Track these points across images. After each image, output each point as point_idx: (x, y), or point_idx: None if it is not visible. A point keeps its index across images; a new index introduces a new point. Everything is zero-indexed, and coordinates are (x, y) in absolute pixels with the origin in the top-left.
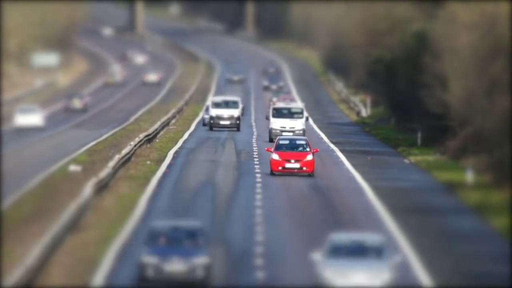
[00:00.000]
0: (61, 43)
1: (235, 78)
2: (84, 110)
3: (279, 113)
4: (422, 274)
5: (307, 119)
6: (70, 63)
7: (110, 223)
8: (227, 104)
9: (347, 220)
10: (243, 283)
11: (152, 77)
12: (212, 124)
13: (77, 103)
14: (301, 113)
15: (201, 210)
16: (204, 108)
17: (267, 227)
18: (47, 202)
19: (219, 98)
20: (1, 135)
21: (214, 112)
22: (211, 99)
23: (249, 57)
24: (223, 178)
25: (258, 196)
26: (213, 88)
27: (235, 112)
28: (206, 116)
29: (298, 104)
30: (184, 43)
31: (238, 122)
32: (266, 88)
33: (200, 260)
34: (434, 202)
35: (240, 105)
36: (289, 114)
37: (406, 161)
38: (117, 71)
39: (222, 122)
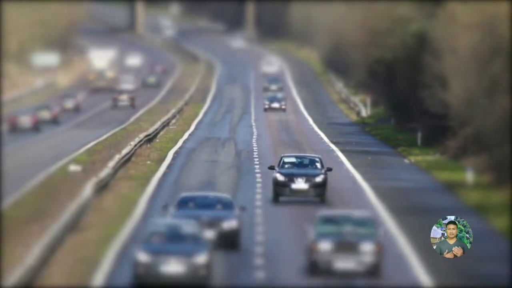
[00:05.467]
0: (61, 43)
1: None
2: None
3: None
4: (422, 274)
5: None
6: (70, 63)
7: (110, 223)
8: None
9: None
10: (243, 283)
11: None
12: None
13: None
14: None
15: None
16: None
17: (267, 227)
18: (47, 202)
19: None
20: (1, 135)
21: None
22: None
23: (248, 56)
24: (223, 178)
25: (258, 196)
26: (213, 88)
27: None
28: None
29: None
30: (184, 43)
31: None
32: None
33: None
34: (434, 202)
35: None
36: None
37: (406, 161)
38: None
39: None
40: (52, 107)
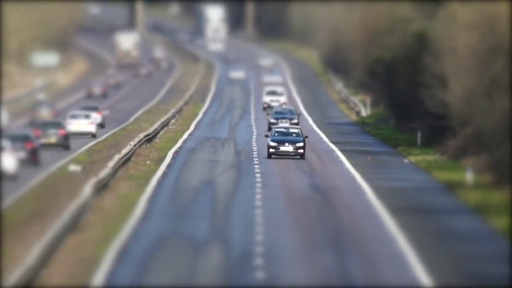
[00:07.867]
0: (61, 43)
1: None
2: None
3: None
4: (422, 274)
5: None
6: (70, 63)
7: (110, 223)
8: None
9: (347, 220)
10: (243, 283)
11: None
12: None
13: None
14: None
15: (201, 210)
16: None
17: (267, 227)
18: (47, 202)
19: None
20: (1, 133)
21: None
22: None
23: (248, 56)
24: (223, 178)
25: (258, 196)
26: (213, 88)
27: None
28: None
29: None
30: (184, 43)
31: None
32: None
33: None
34: (434, 202)
35: None
36: None
37: (406, 161)
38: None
39: None
40: (117, 76)
